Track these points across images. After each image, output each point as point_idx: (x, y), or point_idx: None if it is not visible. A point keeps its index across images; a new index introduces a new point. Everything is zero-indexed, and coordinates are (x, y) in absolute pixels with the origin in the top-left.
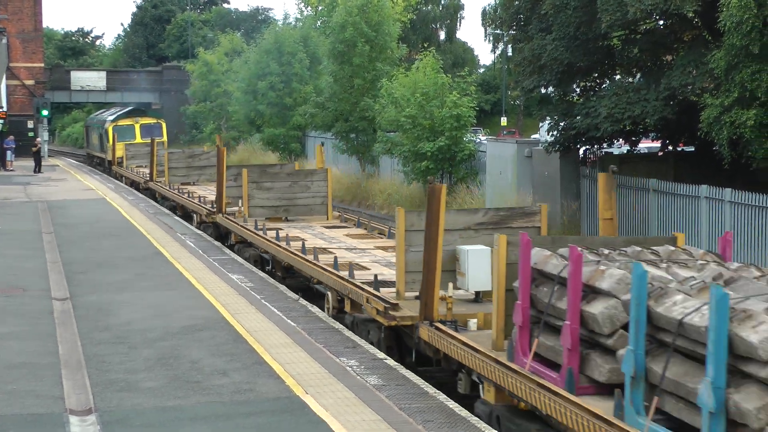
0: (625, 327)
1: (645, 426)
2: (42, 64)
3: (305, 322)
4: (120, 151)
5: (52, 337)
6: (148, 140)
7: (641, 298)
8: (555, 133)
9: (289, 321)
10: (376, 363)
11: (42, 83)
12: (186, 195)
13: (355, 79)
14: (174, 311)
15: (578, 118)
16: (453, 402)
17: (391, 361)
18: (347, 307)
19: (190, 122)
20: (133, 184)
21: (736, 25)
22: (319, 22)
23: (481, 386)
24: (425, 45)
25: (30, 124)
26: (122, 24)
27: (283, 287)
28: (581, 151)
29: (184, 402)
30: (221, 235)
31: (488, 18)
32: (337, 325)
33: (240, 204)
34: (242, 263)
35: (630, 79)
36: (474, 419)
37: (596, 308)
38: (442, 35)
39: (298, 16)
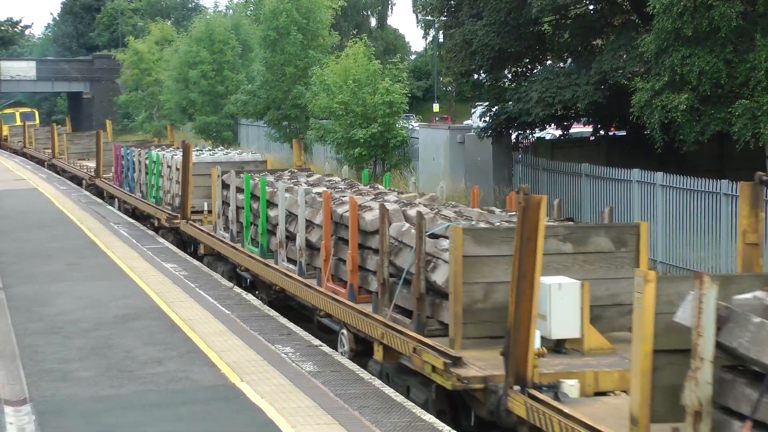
0: None
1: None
2: None
3: (240, 309)
4: (5, 131)
5: None
6: (31, 123)
7: None
8: (487, 118)
9: (223, 309)
10: (311, 350)
11: None
12: (43, 153)
13: (287, 67)
14: (108, 301)
15: (510, 103)
16: (389, 388)
17: (326, 348)
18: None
19: (121, 111)
20: (15, 152)
21: (666, 7)
22: (249, 11)
23: None
24: (356, 32)
25: None
26: (52, 13)
27: (217, 275)
28: (513, 137)
29: (119, 391)
30: (57, 170)
31: (419, 4)
32: (272, 313)
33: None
34: (176, 252)
35: (561, 64)
36: (409, 404)
37: None
38: (374, 22)
39: (228, 4)
